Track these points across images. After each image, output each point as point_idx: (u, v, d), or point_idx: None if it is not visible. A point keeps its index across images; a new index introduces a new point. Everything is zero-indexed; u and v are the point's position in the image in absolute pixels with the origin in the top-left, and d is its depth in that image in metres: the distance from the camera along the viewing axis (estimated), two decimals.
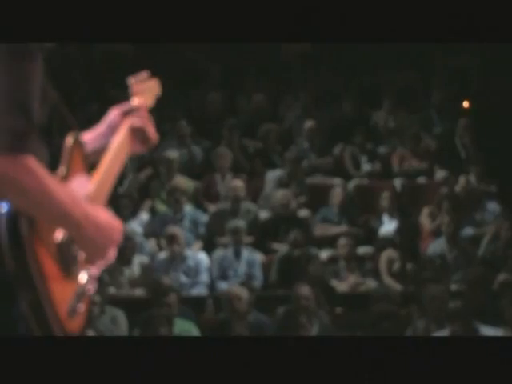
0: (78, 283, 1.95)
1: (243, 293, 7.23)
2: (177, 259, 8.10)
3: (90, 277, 1.98)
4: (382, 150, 10.41)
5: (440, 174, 9.88)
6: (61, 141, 1.97)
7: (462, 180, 9.68)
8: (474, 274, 7.88)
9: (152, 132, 2.33)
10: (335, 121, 10.83)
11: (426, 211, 9.13)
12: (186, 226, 8.72)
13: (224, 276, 8.28)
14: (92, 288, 1.99)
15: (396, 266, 8.34)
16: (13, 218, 1.81)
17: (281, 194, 8.93)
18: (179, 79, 10.36)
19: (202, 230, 8.88)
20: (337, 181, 9.76)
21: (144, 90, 2.41)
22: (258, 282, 8.23)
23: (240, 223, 8.49)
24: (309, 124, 10.20)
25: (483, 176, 9.60)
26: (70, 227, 1.89)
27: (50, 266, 1.84)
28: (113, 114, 2.34)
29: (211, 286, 8.29)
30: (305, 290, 7.32)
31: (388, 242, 8.66)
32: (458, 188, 9.58)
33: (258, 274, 8.33)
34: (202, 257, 8.31)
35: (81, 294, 1.94)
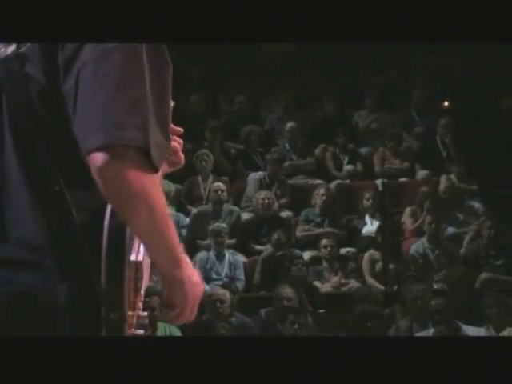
0: (139, 314, 1.89)
1: (226, 295, 7.22)
2: None
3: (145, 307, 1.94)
4: (363, 150, 10.42)
5: (422, 173, 9.90)
6: None
7: (443, 179, 9.71)
8: (456, 273, 7.92)
9: (182, 154, 2.27)
10: (317, 122, 10.83)
11: (408, 211, 9.16)
12: None
13: (207, 278, 8.23)
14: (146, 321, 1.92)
15: (379, 266, 8.34)
16: (120, 232, 1.76)
17: (263, 196, 8.92)
18: None
19: (183, 232, 8.86)
20: (319, 182, 9.76)
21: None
22: (240, 284, 8.23)
23: (222, 225, 8.50)
24: (290, 125, 10.21)
25: (464, 175, 9.61)
26: (168, 263, 1.83)
27: (130, 283, 1.81)
28: None
29: None
30: (287, 291, 7.33)
31: (370, 243, 8.67)
32: (439, 187, 9.60)
33: (241, 275, 8.33)
34: None
35: (140, 325, 1.90)
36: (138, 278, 1.86)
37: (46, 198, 1.80)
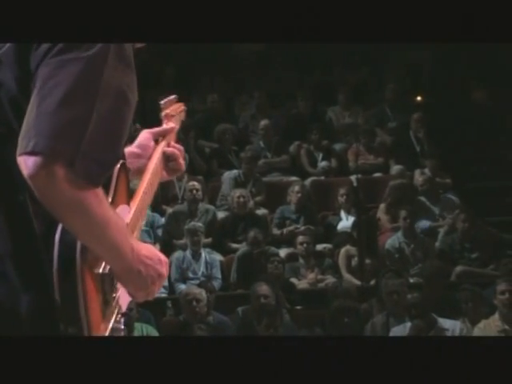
0: (114, 319, 1.90)
1: (202, 294, 7.20)
2: None
3: (122, 313, 1.94)
4: (337, 146, 10.43)
5: (396, 168, 9.91)
6: None
7: (417, 174, 9.74)
8: (431, 267, 7.94)
9: (183, 161, 2.30)
10: (290, 119, 10.83)
11: (382, 206, 9.19)
12: (144, 230, 8.60)
13: (183, 278, 8.25)
14: (123, 324, 1.94)
15: (355, 261, 8.35)
16: (70, 247, 1.77)
17: (238, 194, 8.90)
18: None
19: (159, 232, 8.84)
20: (294, 179, 9.77)
21: (173, 115, 2.38)
22: (217, 283, 8.21)
23: (198, 224, 8.47)
24: (264, 123, 10.20)
25: (438, 169, 9.62)
26: (116, 260, 1.84)
27: (92, 297, 1.80)
28: (143, 136, 2.30)
29: (171, 289, 8.25)
30: (264, 288, 7.33)
31: (346, 238, 8.67)
32: (414, 182, 9.62)
33: (218, 274, 8.31)
34: None
35: (115, 330, 1.89)
36: (106, 291, 1.85)
37: (10, 207, 1.82)
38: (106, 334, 1.85)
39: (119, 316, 1.92)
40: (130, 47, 1.87)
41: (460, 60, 10.69)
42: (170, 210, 9.05)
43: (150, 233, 8.74)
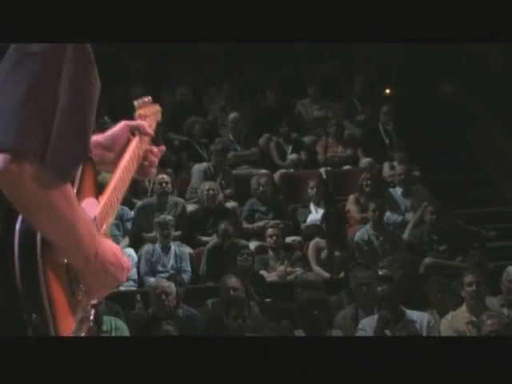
0: (82, 309, 1.91)
1: (171, 287, 7.17)
2: None
3: (91, 305, 1.95)
4: (306, 139, 10.42)
5: (365, 161, 9.92)
6: None
7: (386, 166, 9.76)
8: (400, 259, 7.96)
9: (155, 163, 2.30)
10: (259, 111, 10.80)
11: (351, 198, 9.19)
12: (113, 223, 8.60)
13: (153, 271, 8.22)
14: (92, 315, 1.96)
15: (324, 254, 8.35)
16: (30, 235, 1.75)
17: (208, 187, 8.87)
18: (102, 74, 10.21)
19: (128, 226, 8.80)
20: (263, 171, 9.75)
21: (147, 115, 2.37)
22: (187, 276, 8.18)
23: (168, 217, 8.43)
24: (233, 115, 10.17)
25: (407, 161, 9.65)
26: (79, 260, 1.84)
27: (57, 287, 1.80)
28: (121, 127, 2.29)
29: (140, 282, 8.21)
30: (233, 281, 7.32)
31: (316, 231, 8.68)
32: (382, 174, 9.64)
33: (187, 267, 8.28)
34: (130, 253, 8.20)
35: (83, 320, 1.90)
36: (72, 281, 1.85)
37: None
38: (74, 324, 1.85)
39: (89, 307, 1.93)
40: None
41: (429, 53, 10.73)
42: (139, 203, 9.00)
43: (119, 226, 8.70)
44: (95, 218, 1.93)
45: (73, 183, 1.86)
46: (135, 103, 2.35)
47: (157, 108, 2.49)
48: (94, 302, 1.96)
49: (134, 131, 2.29)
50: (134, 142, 2.27)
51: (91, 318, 1.93)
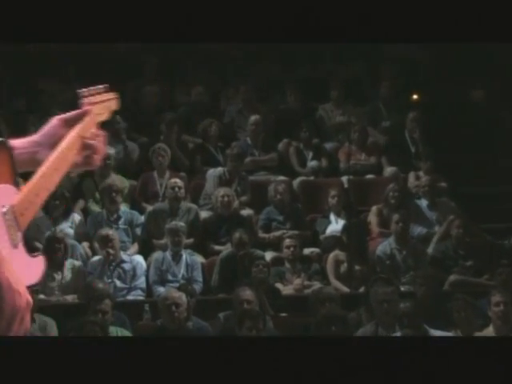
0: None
1: (182, 298, 7.06)
2: (111, 263, 8.02)
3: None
4: (328, 145, 10.33)
5: (389, 170, 9.82)
6: None
7: (411, 176, 9.66)
8: (423, 275, 7.87)
9: (102, 153, 2.27)
10: (279, 115, 10.71)
11: (374, 209, 9.07)
12: (122, 228, 8.61)
13: (162, 280, 8.18)
14: None
15: (344, 267, 8.27)
16: None
17: (222, 193, 8.77)
18: (113, 72, 10.06)
19: (138, 231, 8.72)
20: (282, 178, 9.63)
21: (96, 102, 2.33)
22: (198, 286, 8.11)
23: (180, 224, 8.37)
24: (254, 118, 10.07)
25: (433, 172, 9.51)
26: None
27: None
28: (53, 123, 2.26)
29: (148, 291, 8.17)
30: (247, 293, 7.28)
31: (335, 243, 8.59)
32: (407, 185, 9.51)
33: (199, 277, 8.22)
34: (139, 260, 8.24)
35: None
36: None
37: None
38: None
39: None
40: None
41: (458, 58, 10.56)
42: (149, 208, 8.97)
43: (129, 231, 8.66)
44: (12, 206, 1.92)
45: None
46: (80, 91, 2.30)
47: (110, 96, 2.40)
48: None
49: (70, 123, 2.25)
50: (74, 131, 2.23)
51: None
